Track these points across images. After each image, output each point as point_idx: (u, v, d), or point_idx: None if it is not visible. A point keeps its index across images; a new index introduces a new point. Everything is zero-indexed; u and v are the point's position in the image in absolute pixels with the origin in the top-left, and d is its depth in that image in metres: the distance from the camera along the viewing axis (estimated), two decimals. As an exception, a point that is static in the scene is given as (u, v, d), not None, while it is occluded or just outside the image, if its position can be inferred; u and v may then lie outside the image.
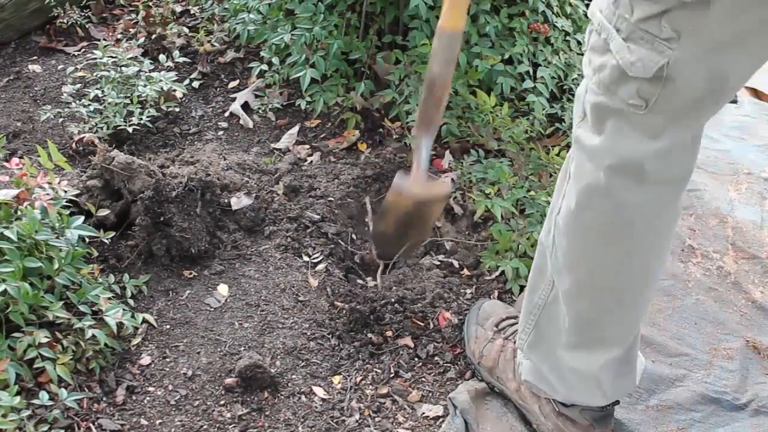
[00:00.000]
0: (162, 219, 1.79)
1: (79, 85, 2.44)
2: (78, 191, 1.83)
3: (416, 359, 1.66)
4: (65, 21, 2.67)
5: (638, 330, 1.33)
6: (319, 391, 1.58)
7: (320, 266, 1.86)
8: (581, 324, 1.29)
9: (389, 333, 1.70)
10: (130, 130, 2.19)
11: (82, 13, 2.73)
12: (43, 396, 1.41)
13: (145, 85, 2.27)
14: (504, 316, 1.62)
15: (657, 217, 1.15)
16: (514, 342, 1.54)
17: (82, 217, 1.67)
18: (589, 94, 1.09)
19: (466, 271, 1.90)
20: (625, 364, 1.35)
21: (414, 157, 1.35)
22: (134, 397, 1.54)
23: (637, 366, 1.41)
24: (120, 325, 1.59)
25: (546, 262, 1.30)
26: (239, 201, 1.94)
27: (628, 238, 1.17)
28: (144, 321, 1.67)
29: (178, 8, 2.84)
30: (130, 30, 2.74)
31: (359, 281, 1.90)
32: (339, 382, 1.61)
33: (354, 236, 2.03)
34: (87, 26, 2.75)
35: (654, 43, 0.97)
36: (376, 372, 1.63)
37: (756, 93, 2.62)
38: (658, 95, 1.00)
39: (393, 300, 1.76)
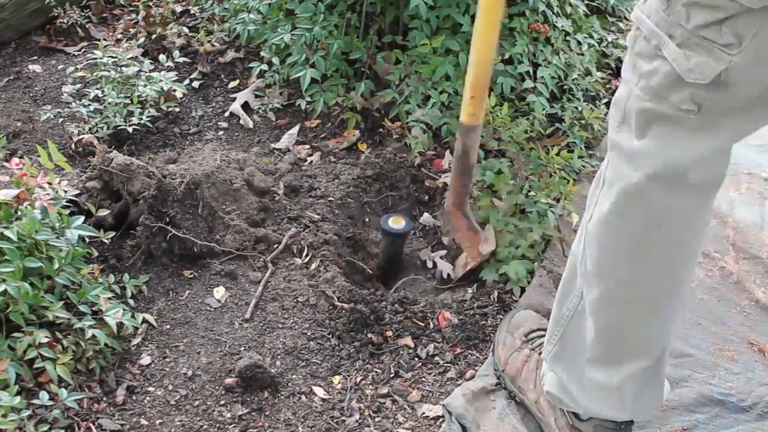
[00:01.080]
0: (165, 219, 1.79)
1: (79, 85, 2.44)
2: (78, 191, 1.83)
3: (416, 359, 1.66)
4: (65, 21, 2.67)
5: (668, 343, 1.30)
6: (319, 391, 1.58)
7: (320, 266, 1.86)
8: (608, 336, 1.26)
9: (389, 333, 1.70)
10: (130, 130, 2.19)
11: (82, 13, 2.73)
12: (43, 396, 1.41)
13: (145, 85, 2.27)
14: (535, 327, 1.61)
15: (690, 223, 1.14)
16: (540, 353, 1.54)
17: (82, 217, 1.67)
18: (632, 100, 1.07)
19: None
20: (651, 378, 1.31)
21: (463, 228, 1.70)
22: (134, 397, 1.54)
23: (665, 384, 1.37)
24: (120, 325, 1.59)
25: (576, 273, 1.28)
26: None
27: (661, 245, 1.15)
28: (144, 321, 1.67)
29: (178, 8, 2.84)
30: (130, 30, 2.74)
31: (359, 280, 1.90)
32: (339, 382, 1.60)
33: (354, 235, 2.03)
34: (87, 26, 2.75)
35: (712, 50, 0.95)
36: (376, 372, 1.63)
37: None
38: (711, 100, 0.99)
39: (393, 300, 1.76)
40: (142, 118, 2.22)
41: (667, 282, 1.20)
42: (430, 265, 1.97)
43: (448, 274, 1.91)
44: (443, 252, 1.99)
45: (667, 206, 1.10)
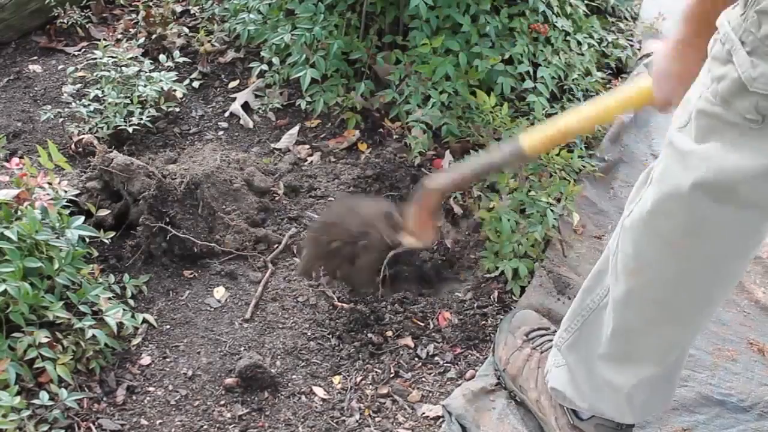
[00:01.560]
0: (165, 219, 1.79)
1: (79, 85, 2.44)
2: (78, 191, 1.83)
3: (416, 359, 1.66)
4: (65, 21, 2.67)
5: (682, 353, 1.29)
6: (320, 391, 1.58)
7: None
8: (623, 336, 1.26)
9: (389, 333, 1.70)
10: (130, 130, 2.19)
11: (82, 13, 2.73)
12: (44, 396, 1.41)
13: (145, 85, 2.27)
14: (536, 327, 1.61)
15: (731, 243, 1.10)
16: (541, 352, 1.53)
17: (83, 217, 1.67)
18: (701, 101, 1.04)
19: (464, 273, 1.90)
20: (662, 387, 1.31)
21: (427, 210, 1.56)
22: (134, 397, 1.54)
23: (672, 391, 1.37)
24: (120, 325, 1.59)
25: (607, 267, 1.27)
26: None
27: (694, 255, 1.12)
28: (144, 321, 1.67)
29: (179, 8, 2.84)
30: (131, 30, 2.74)
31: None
32: (339, 382, 1.60)
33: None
34: (87, 26, 2.75)
35: None
36: (376, 372, 1.63)
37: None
38: None
39: (393, 300, 1.76)
40: (142, 118, 2.22)
41: (691, 294, 1.17)
42: None
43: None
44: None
45: (709, 218, 1.07)
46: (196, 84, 2.46)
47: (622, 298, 1.23)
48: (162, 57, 2.45)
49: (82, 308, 1.56)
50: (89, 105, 2.26)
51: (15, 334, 1.46)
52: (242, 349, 1.64)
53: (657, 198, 1.11)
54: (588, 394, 1.36)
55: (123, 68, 2.31)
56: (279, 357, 1.64)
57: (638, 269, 1.19)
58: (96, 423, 1.46)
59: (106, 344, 1.55)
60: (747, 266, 1.20)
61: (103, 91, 2.28)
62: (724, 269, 1.15)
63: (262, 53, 2.44)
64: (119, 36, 2.71)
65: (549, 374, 1.45)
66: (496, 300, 1.79)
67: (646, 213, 1.13)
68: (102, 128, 2.21)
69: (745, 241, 1.11)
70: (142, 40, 2.61)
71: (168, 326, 1.69)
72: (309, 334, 1.69)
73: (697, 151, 1.04)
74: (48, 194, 1.70)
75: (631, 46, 2.80)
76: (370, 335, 1.69)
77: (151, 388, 1.56)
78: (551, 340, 1.56)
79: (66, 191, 1.75)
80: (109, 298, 1.62)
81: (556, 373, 1.43)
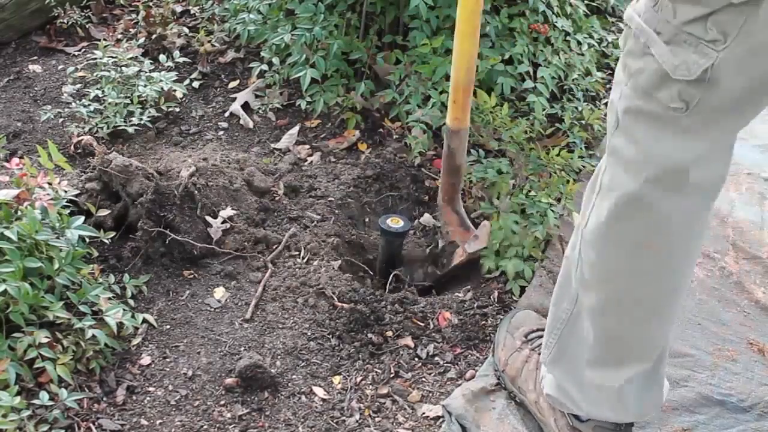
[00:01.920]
0: (164, 222, 1.79)
1: (79, 85, 2.44)
2: (78, 191, 1.83)
3: (416, 359, 1.66)
4: (65, 21, 2.68)
5: (666, 344, 1.30)
6: (319, 391, 1.58)
7: (320, 266, 1.86)
8: (607, 340, 1.26)
9: (389, 333, 1.70)
10: (130, 130, 2.19)
11: (83, 13, 2.73)
12: (44, 396, 1.41)
13: (145, 85, 2.27)
14: (535, 327, 1.61)
15: (691, 225, 1.13)
16: (540, 354, 1.53)
17: (83, 217, 1.67)
18: (622, 100, 1.06)
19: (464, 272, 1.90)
20: (651, 379, 1.31)
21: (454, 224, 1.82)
22: (134, 397, 1.54)
23: (664, 384, 1.37)
24: (120, 325, 1.59)
25: (570, 276, 1.27)
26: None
27: (664, 249, 1.14)
28: (144, 321, 1.67)
29: (178, 8, 2.85)
30: (131, 30, 2.74)
31: (358, 282, 1.90)
32: (339, 382, 1.60)
33: (354, 236, 2.03)
34: (87, 26, 2.75)
35: (698, 46, 0.95)
36: (376, 372, 1.63)
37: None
38: (700, 98, 0.98)
39: (393, 300, 1.76)
40: (142, 119, 2.22)
41: (666, 286, 1.20)
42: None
43: (443, 263, 1.92)
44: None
45: (670, 209, 1.09)
46: (196, 84, 2.46)
47: (598, 308, 1.23)
48: (162, 57, 2.45)
49: (82, 308, 1.56)
50: (89, 105, 2.26)
51: (15, 334, 1.46)
52: (242, 349, 1.64)
53: (612, 206, 1.12)
54: (581, 401, 1.36)
55: (123, 68, 2.32)
56: (279, 357, 1.64)
57: (608, 278, 1.20)
58: (96, 423, 1.46)
59: (106, 344, 1.55)
60: (699, 252, 1.26)
61: (103, 91, 2.28)
62: (689, 252, 1.19)
63: (262, 53, 2.44)
64: (119, 36, 2.72)
65: (544, 380, 1.45)
66: (496, 300, 1.79)
67: (604, 223, 1.14)
68: (102, 128, 2.21)
69: (702, 220, 1.15)
70: (142, 40, 2.61)
71: (168, 326, 1.69)
72: (309, 334, 1.69)
73: (636, 153, 1.06)
74: (48, 194, 1.70)
75: (631, 46, 2.79)
76: (370, 335, 1.69)
77: (151, 388, 1.56)
78: None
79: (66, 191, 1.75)
80: (109, 298, 1.62)
81: (550, 379, 1.43)
